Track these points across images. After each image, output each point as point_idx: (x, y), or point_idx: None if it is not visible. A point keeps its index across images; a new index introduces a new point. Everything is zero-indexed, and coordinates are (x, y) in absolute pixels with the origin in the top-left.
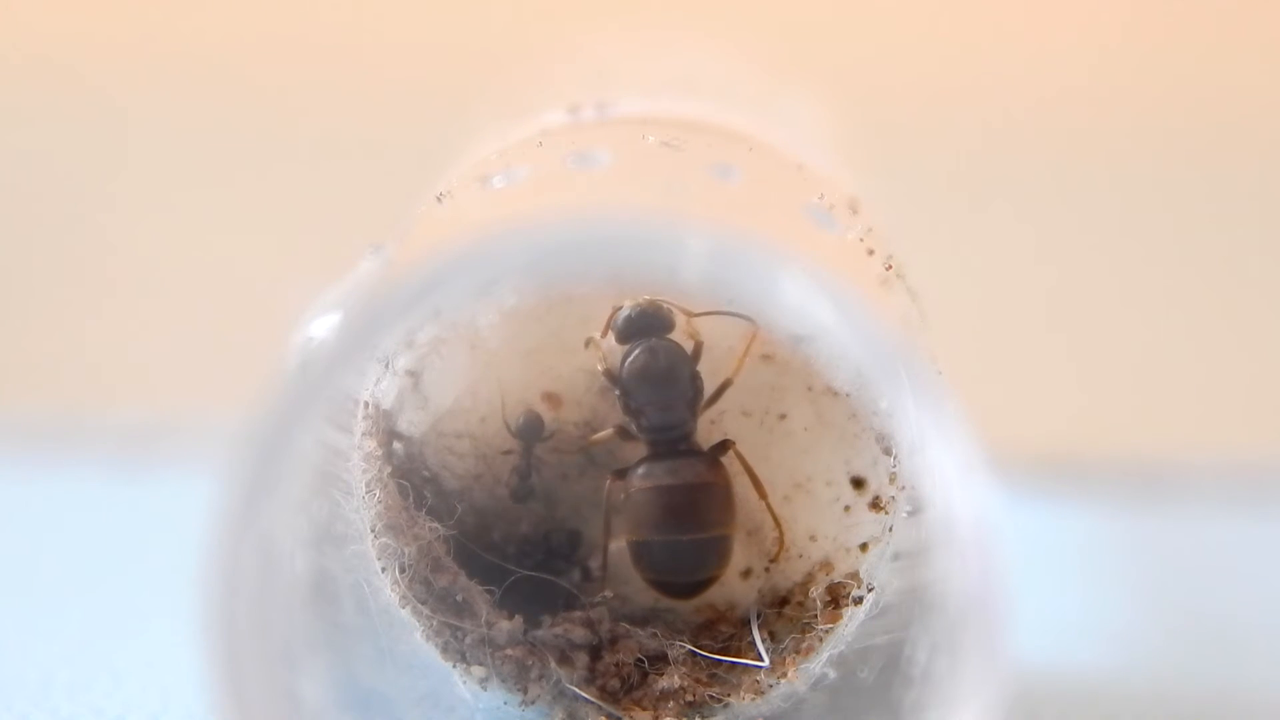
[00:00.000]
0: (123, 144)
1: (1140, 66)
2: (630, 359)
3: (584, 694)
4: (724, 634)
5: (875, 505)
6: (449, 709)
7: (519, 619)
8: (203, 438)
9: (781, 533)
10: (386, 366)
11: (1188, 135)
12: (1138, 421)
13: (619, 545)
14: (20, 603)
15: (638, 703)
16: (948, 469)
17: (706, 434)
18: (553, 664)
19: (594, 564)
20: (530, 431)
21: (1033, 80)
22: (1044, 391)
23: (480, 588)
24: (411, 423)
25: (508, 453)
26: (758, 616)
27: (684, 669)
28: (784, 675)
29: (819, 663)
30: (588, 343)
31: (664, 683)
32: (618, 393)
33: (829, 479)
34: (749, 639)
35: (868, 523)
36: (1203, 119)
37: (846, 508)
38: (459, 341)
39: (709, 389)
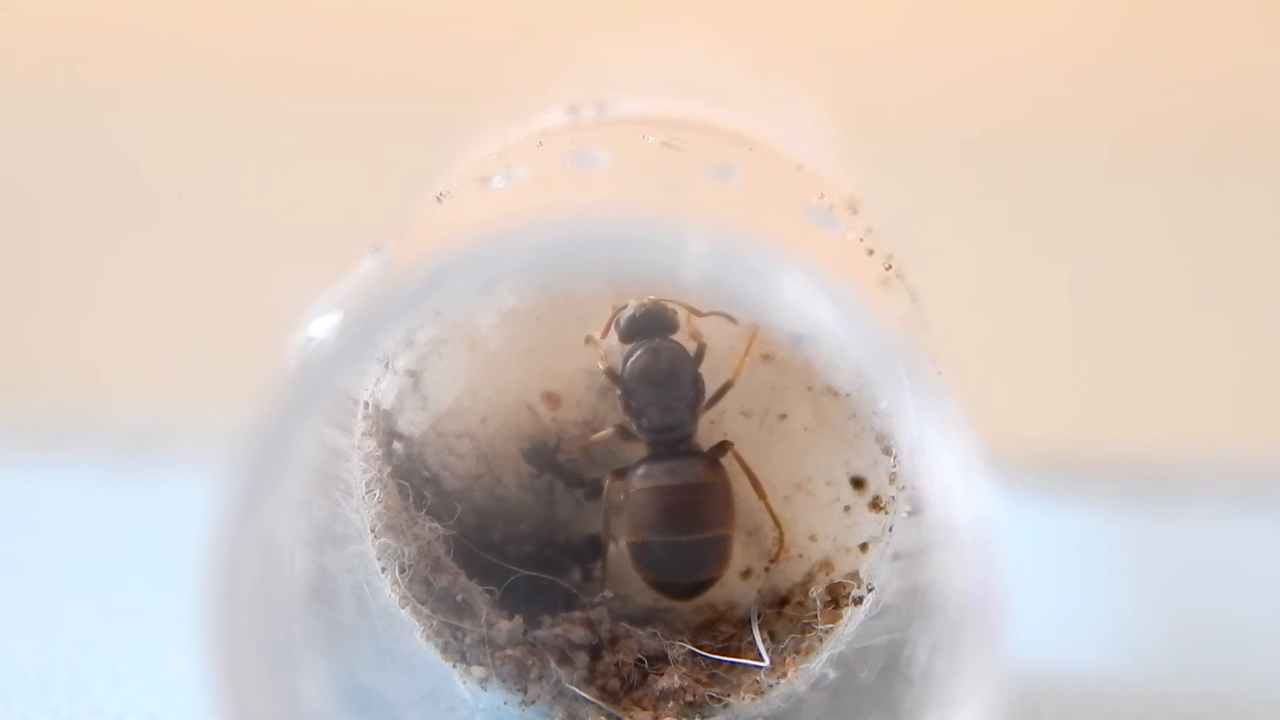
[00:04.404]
0: (123, 145)
1: (1138, 67)
2: (633, 359)
3: (584, 694)
4: (724, 634)
5: (875, 505)
6: (449, 709)
7: (519, 619)
8: (203, 438)
9: (781, 533)
10: (386, 366)
11: (1188, 136)
12: (1138, 421)
13: (619, 545)
14: (20, 603)
15: (638, 703)
16: (948, 469)
17: (706, 434)
18: (553, 664)
19: (594, 564)
20: (538, 456)
21: (1031, 81)
22: (1044, 391)
23: (480, 588)
24: (411, 423)
25: (538, 477)
26: (758, 616)
27: (684, 669)
28: (784, 675)
29: (819, 663)
30: (587, 340)
31: (664, 683)
32: (619, 392)
33: (829, 479)
34: (749, 639)
35: (868, 523)
36: (1203, 120)
37: (846, 508)
38: (459, 341)
39: (709, 390)
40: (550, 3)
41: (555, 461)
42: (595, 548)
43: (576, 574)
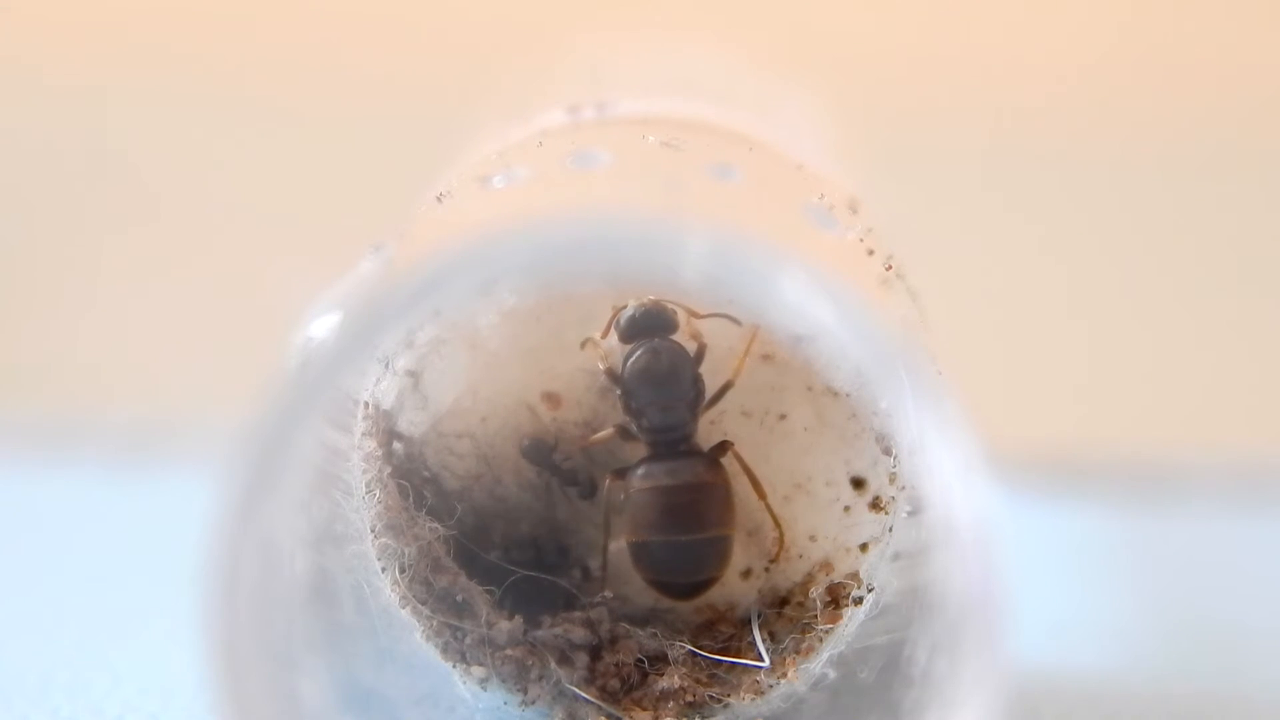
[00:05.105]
0: (123, 145)
1: (1140, 67)
2: (632, 359)
3: (584, 694)
4: (724, 634)
5: (875, 505)
6: (449, 709)
7: (519, 619)
8: (203, 438)
9: (781, 533)
10: (386, 366)
11: (1190, 136)
12: (1138, 421)
13: (619, 545)
14: (20, 603)
15: (638, 703)
16: (948, 469)
17: (706, 434)
18: (553, 664)
19: (594, 564)
20: (537, 453)
21: (1032, 81)
22: (1044, 391)
23: (480, 588)
24: (411, 423)
25: (539, 474)
26: (758, 616)
27: (684, 669)
28: (784, 675)
29: (819, 663)
30: (584, 344)
31: (664, 683)
32: (619, 393)
33: (829, 479)
34: (749, 639)
35: (868, 523)
36: (1207, 120)
37: (846, 508)
38: (459, 341)
39: (709, 390)
40: (551, 3)
41: (552, 460)
42: (595, 548)
43: (576, 574)
